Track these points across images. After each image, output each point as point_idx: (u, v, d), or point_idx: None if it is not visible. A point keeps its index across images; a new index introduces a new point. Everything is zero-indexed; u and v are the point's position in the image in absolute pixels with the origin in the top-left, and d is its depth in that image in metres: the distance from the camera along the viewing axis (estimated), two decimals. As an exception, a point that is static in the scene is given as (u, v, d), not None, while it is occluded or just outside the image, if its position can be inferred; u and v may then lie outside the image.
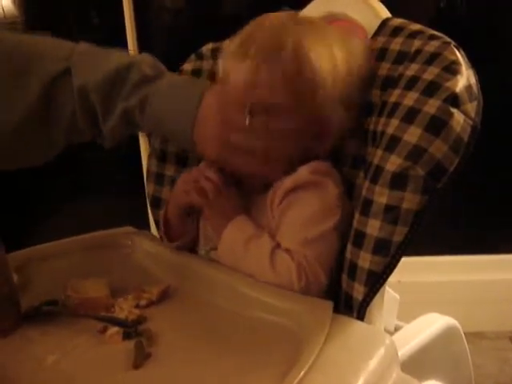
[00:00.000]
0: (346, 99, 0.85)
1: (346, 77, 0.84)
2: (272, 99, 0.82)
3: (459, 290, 1.98)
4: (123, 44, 2.42)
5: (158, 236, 1.05)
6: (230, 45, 0.88)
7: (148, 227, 2.17)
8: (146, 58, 0.95)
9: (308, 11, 1.01)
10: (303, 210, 0.83)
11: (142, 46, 2.45)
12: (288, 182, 0.85)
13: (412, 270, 1.92)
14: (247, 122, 0.83)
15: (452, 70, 0.77)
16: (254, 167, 0.87)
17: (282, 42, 0.82)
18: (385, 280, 0.77)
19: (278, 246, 0.83)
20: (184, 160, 1.06)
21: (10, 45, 0.95)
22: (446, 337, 0.85)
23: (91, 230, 1.10)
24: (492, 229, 2.08)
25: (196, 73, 1.07)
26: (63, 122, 0.94)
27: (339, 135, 0.88)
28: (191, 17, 2.81)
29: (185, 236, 0.96)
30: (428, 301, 1.83)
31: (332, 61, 0.83)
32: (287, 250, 0.82)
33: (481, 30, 2.07)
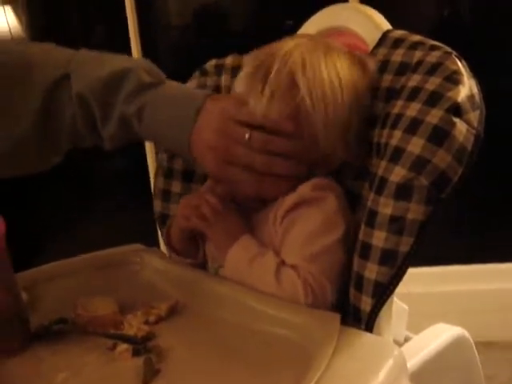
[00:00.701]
0: (357, 131, 0.87)
1: (356, 116, 0.86)
2: (277, 126, 0.84)
3: (469, 300, 1.98)
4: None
5: (166, 252, 1.05)
6: (245, 68, 0.89)
7: (157, 243, 2.18)
8: (145, 63, 0.94)
9: (310, 24, 1.03)
10: (306, 225, 0.83)
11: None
12: (290, 199, 0.86)
13: (422, 280, 1.92)
14: (247, 136, 0.84)
15: (454, 79, 0.77)
16: (252, 185, 0.87)
17: (295, 80, 0.84)
18: (392, 291, 0.78)
19: (283, 262, 0.83)
20: (190, 176, 1.07)
21: (15, 55, 0.96)
22: (455, 347, 0.85)
23: (99, 246, 1.11)
24: (502, 238, 2.08)
25: (200, 89, 1.07)
26: (64, 127, 0.94)
27: (343, 158, 0.89)
28: (195, 31, 2.84)
29: (195, 255, 0.97)
30: (438, 311, 1.83)
31: (341, 101, 0.84)
32: (292, 267, 0.82)
33: (484, 38, 2.08)
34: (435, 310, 1.84)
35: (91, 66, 0.93)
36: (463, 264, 2.06)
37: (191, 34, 2.87)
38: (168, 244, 0.99)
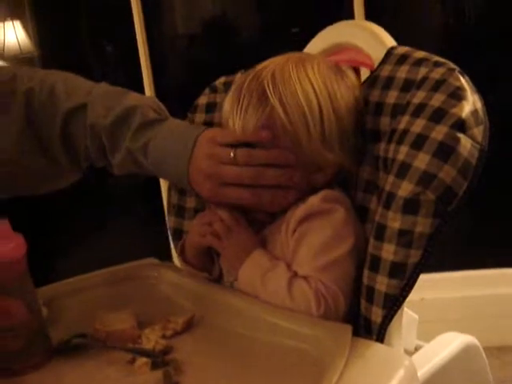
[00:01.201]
0: (339, 137, 0.89)
1: (334, 119, 0.88)
2: (254, 138, 0.88)
3: (482, 305, 1.98)
4: (137, 72, 2.48)
5: (180, 266, 1.07)
6: (229, 95, 0.93)
7: (169, 257, 2.21)
8: (152, 101, 1.01)
9: (316, 41, 1.05)
10: (317, 237, 0.86)
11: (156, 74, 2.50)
12: (300, 211, 0.88)
13: (434, 286, 1.93)
14: (232, 155, 0.88)
15: (457, 96, 0.79)
16: (251, 199, 0.90)
17: (265, 91, 0.87)
18: (402, 302, 0.80)
19: (295, 274, 0.85)
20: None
21: (39, 81, 1.05)
22: (465, 355, 0.86)
23: (113, 261, 1.13)
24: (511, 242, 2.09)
25: (210, 106, 1.11)
26: (79, 151, 1.03)
27: (338, 167, 0.91)
28: (203, 41, 2.86)
29: (210, 269, 0.99)
30: (451, 316, 1.84)
31: (317, 107, 0.87)
32: (304, 278, 0.84)
33: (488, 44, 2.09)
34: (450, 315, 1.85)
35: (106, 101, 1.01)
36: (476, 269, 2.07)
37: (198, 44, 2.90)
38: (183, 259, 1.01)
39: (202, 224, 0.95)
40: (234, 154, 0.89)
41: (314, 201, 0.88)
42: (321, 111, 0.87)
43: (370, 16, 1.97)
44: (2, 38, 3.38)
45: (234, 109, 0.89)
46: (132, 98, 1.02)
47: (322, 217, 0.87)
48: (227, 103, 0.92)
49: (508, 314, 1.95)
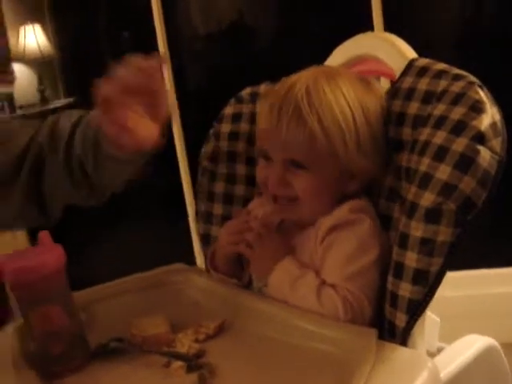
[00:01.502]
0: (372, 144, 0.93)
1: (367, 128, 0.92)
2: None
3: (497, 303, 2.00)
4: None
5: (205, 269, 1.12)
6: (262, 104, 0.99)
7: (193, 260, 2.25)
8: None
9: (337, 54, 1.08)
10: (343, 247, 0.90)
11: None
12: (329, 220, 0.92)
13: (451, 284, 1.95)
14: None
15: (477, 109, 0.83)
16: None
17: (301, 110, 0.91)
18: (425, 307, 0.83)
19: (323, 282, 0.89)
20: (231, 199, 1.14)
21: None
22: (486, 357, 0.89)
23: (134, 264, 1.17)
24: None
25: (236, 116, 1.14)
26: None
27: (371, 175, 0.95)
28: (220, 41, 2.90)
29: (240, 276, 1.03)
30: (468, 314, 1.86)
31: (351, 118, 0.91)
32: (332, 286, 0.88)
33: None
34: (466, 313, 1.87)
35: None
36: (492, 268, 2.09)
37: (215, 44, 2.93)
38: (212, 267, 1.05)
39: (233, 233, 0.99)
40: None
41: (342, 211, 0.92)
42: (355, 123, 0.91)
43: (389, 28, 2.00)
44: (23, 42, 3.44)
45: (273, 129, 0.92)
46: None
47: (349, 227, 0.91)
48: (264, 120, 0.96)
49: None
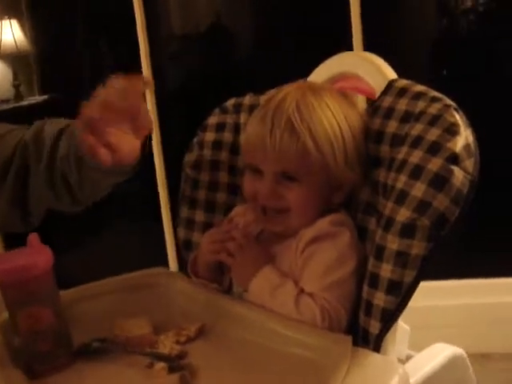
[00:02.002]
0: (356, 156, 0.98)
1: (352, 141, 0.97)
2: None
3: (465, 313, 2.06)
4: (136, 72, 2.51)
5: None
6: (251, 118, 1.03)
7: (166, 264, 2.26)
8: None
9: (319, 70, 1.12)
10: (324, 258, 0.94)
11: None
12: (310, 232, 0.96)
13: (421, 294, 2.00)
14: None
15: (452, 131, 0.88)
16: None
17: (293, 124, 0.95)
18: (398, 316, 0.88)
19: (302, 291, 0.93)
20: (212, 206, 1.17)
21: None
22: (453, 365, 0.94)
23: (109, 269, 1.19)
24: (498, 252, 2.17)
25: (220, 126, 1.18)
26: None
27: (356, 184, 1.00)
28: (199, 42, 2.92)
29: (220, 281, 1.06)
30: (436, 324, 1.91)
31: (339, 132, 0.96)
32: (310, 295, 0.92)
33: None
34: (435, 322, 1.92)
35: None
36: (464, 278, 2.15)
37: (194, 44, 2.95)
38: (194, 273, 1.09)
39: (214, 241, 1.03)
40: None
41: (322, 224, 0.96)
42: (343, 137, 0.96)
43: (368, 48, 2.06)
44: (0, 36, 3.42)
45: (266, 142, 0.96)
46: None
47: (329, 239, 0.95)
48: (253, 133, 1.00)
49: (491, 322, 2.02)
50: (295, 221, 0.98)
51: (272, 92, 1.03)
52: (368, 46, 2.08)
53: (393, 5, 2.38)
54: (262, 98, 1.13)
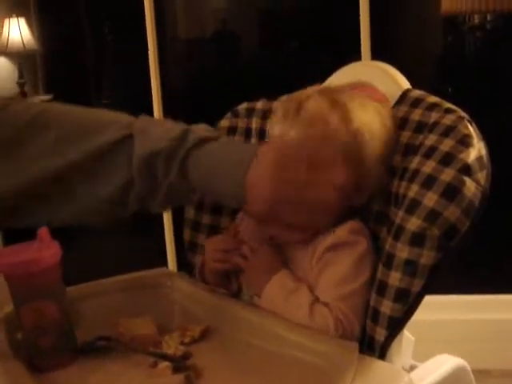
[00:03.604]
0: (384, 156, 0.96)
1: (385, 137, 0.96)
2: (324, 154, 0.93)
3: (468, 329, 2.06)
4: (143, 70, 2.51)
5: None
6: (278, 113, 0.99)
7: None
8: (202, 125, 1.03)
9: (333, 80, 1.12)
10: (339, 267, 0.93)
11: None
12: (327, 240, 0.95)
13: (425, 308, 2.00)
14: (304, 176, 0.92)
15: (465, 142, 0.88)
16: (303, 219, 0.95)
17: (328, 115, 0.94)
18: (404, 325, 0.88)
19: (317, 299, 0.93)
20: (219, 209, 1.17)
21: (79, 113, 1.07)
22: (456, 376, 0.94)
23: (104, 265, 1.19)
24: (500, 269, 2.17)
25: (232, 130, 1.18)
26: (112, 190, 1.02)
27: (376, 188, 0.97)
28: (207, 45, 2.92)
29: (229, 286, 1.06)
30: (438, 338, 1.91)
31: (373, 124, 0.95)
32: (325, 304, 0.91)
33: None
34: (436, 336, 1.92)
35: (156, 129, 1.01)
36: (466, 294, 2.15)
37: (202, 47, 2.96)
38: (201, 279, 1.09)
39: (218, 250, 1.03)
40: (307, 176, 0.92)
41: (341, 232, 0.95)
42: (376, 140, 0.95)
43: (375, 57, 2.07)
44: (7, 34, 3.43)
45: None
46: (181, 124, 1.03)
47: (347, 248, 0.94)
48: (279, 128, 0.97)
49: (491, 338, 2.03)
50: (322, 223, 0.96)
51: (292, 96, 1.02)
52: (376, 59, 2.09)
53: (400, 20, 2.40)
54: (275, 103, 1.12)
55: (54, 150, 1.02)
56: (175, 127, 1.01)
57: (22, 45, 3.45)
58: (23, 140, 1.02)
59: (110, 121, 1.03)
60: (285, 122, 0.96)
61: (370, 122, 0.94)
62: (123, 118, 1.05)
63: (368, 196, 0.97)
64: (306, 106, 0.95)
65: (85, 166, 1.01)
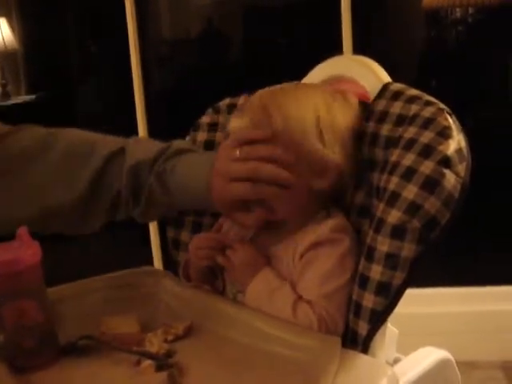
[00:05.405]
0: (339, 142, 0.96)
1: (333, 125, 0.96)
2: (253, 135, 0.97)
3: (452, 321, 2.07)
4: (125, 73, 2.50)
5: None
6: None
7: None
8: (183, 140, 1.16)
9: (314, 74, 1.12)
10: (322, 265, 0.92)
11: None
12: (309, 238, 0.94)
13: (408, 301, 2.01)
14: (238, 152, 0.96)
15: (445, 134, 0.88)
16: (249, 195, 0.95)
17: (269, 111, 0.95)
18: (386, 318, 0.88)
19: (300, 297, 0.92)
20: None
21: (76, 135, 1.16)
22: (440, 369, 0.94)
23: (89, 264, 1.19)
24: (484, 261, 2.18)
25: (213, 125, 1.18)
26: (109, 198, 1.12)
27: (340, 173, 0.96)
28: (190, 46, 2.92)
29: (213, 283, 1.06)
30: (423, 331, 1.92)
31: (314, 113, 0.95)
32: (308, 302, 0.91)
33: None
34: (422, 329, 1.93)
35: (145, 144, 1.15)
36: (449, 287, 2.16)
37: (186, 48, 2.95)
38: (185, 277, 1.09)
39: (201, 247, 1.02)
40: (239, 151, 0.96)
41: (323, 230, 0.94)
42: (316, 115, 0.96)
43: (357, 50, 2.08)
44: (-13, 34, 3.40)
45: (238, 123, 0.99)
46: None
47: (329, 245, 0.93)
48: (232, 121, 1.02)
49: (476, 330, 2.04)
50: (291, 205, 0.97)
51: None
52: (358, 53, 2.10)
53: (382, 14, 2.40)
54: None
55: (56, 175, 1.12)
56: (160, 144, 1.12)
57: (3, 45, 3.43)
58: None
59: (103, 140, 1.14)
60: (235, 116, 1.03)
61: (305, 110, 0.96)
62: (117, 138, 1.15)
63: (332, 181, 0.96)
64: (251, 99, 1.01)
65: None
